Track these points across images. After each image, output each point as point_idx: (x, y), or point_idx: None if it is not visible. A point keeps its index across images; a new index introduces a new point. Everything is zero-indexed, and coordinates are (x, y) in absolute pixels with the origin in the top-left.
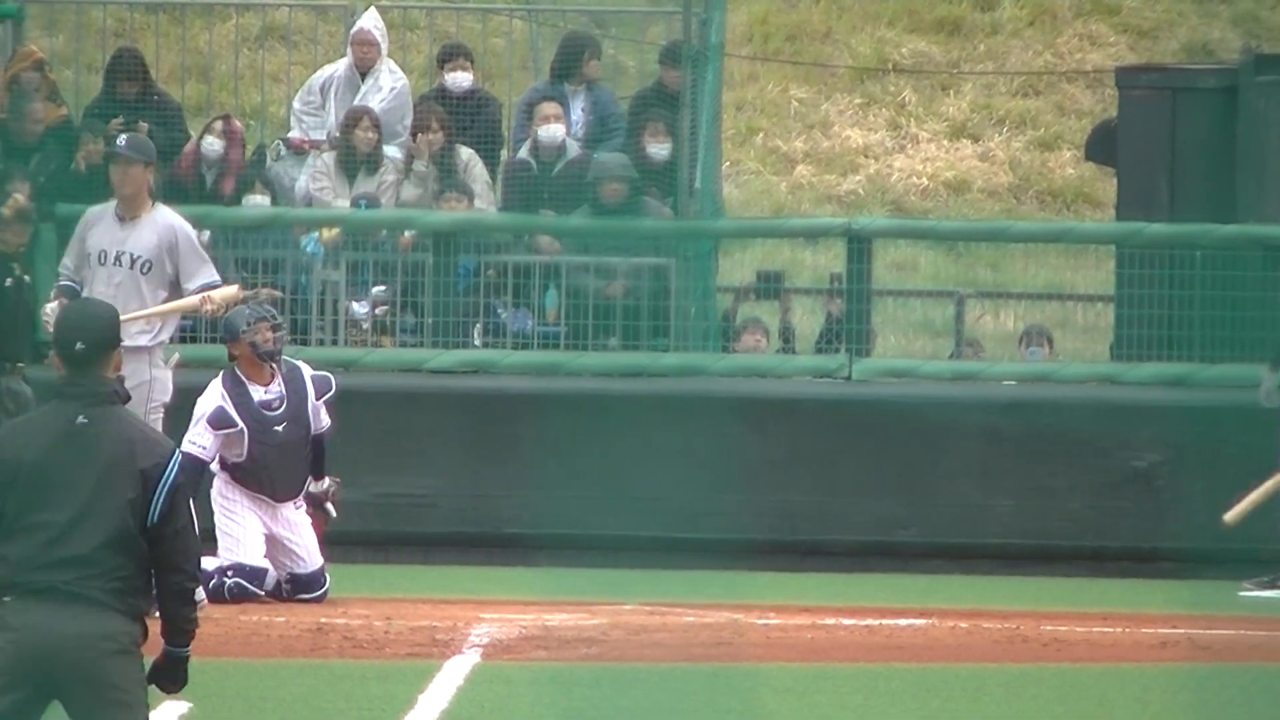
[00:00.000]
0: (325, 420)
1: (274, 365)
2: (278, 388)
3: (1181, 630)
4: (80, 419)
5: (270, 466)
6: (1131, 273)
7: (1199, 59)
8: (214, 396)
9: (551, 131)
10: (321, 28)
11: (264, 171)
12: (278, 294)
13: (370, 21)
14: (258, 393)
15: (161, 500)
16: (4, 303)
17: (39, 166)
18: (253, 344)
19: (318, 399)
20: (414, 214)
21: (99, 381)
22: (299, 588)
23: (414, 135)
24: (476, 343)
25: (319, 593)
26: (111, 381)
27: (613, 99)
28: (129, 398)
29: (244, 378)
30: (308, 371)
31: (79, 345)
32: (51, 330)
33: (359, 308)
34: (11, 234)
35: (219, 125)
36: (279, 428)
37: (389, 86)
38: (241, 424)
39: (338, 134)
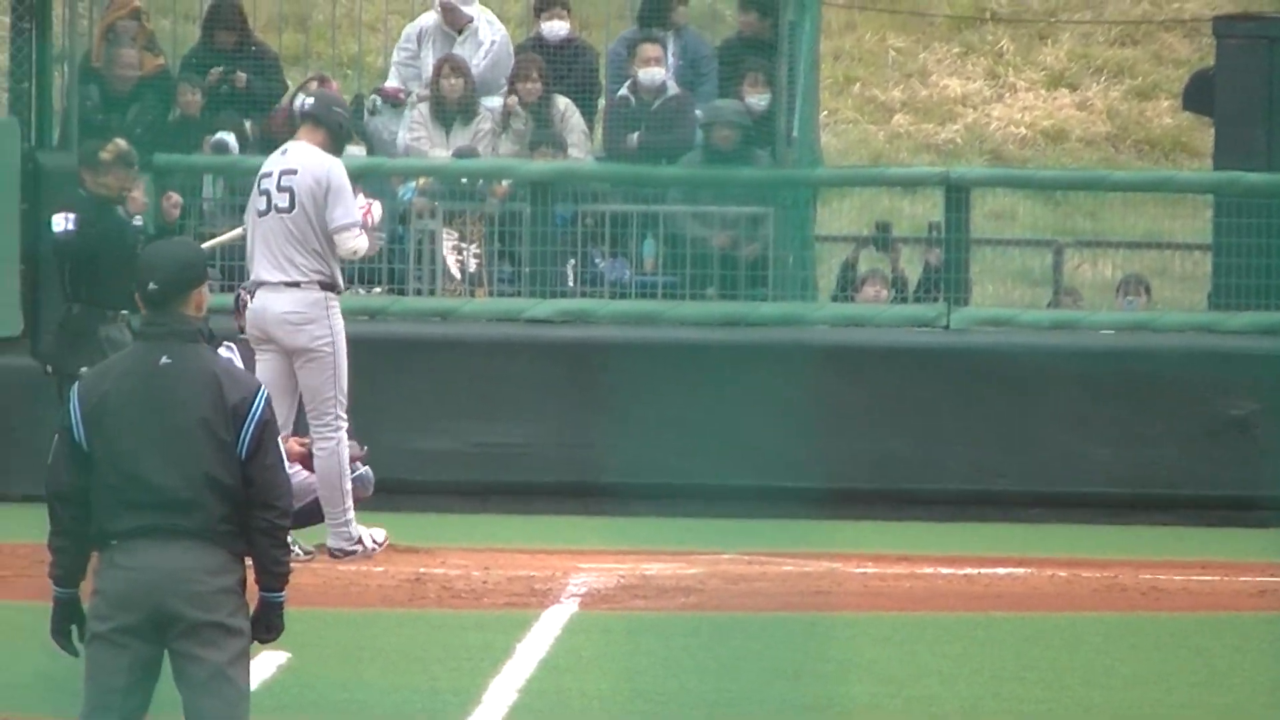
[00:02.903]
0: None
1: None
2: None
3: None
4: (164, 359)
5: None
6: (1229, 221)
7: None
8: (224, 350)
9: (652, 74)
10: None
11: (360, 124)
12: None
13: None
14: None
15: (250, 435)
16: (106, 248)
17: (137, 117)
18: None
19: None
20: (510, 163)
21: (180, 320)
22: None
23: (511, 85)
24: (571, 283)
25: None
26: (193, 320)
27: (704, 43)
28: (213, 336)
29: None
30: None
31: (151, 285)
32: None
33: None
34: (113, 178)
35: (314, 85)
36: None
37: (489, 39)
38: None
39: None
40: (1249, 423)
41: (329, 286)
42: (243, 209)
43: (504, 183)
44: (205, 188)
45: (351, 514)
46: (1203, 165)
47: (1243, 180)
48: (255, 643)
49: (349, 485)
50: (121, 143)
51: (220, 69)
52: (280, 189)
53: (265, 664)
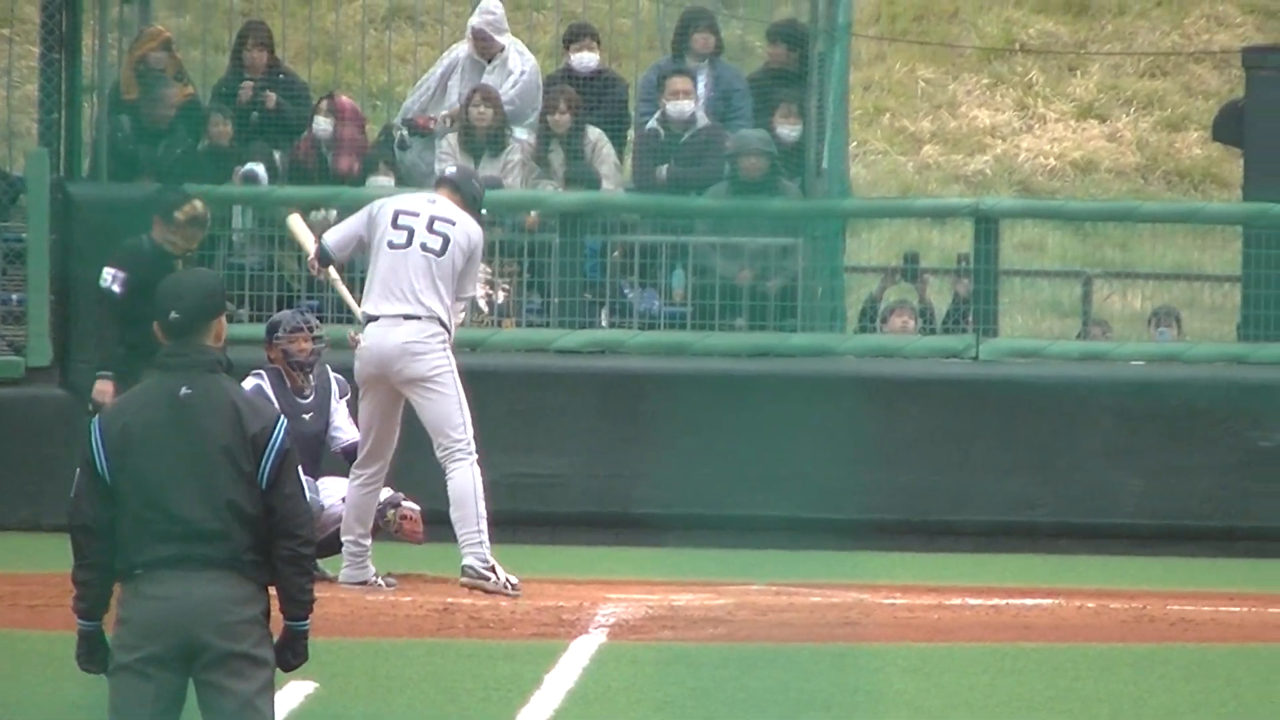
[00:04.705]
0: (352, 430)
1: (308, 374)
2: (310, 390)
3: None
4: (184, 390)
5: None
6: (1258, 252)
7: None
8: (251, 379)
9: (680, 107)
10: (449, 8)
11: (389, 153)
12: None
13: (481, 19)
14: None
15: (270, 465)
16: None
17: (167, 150)
18: (285, 352)
19: (340, 399)
20: (540, 194)
21: (200, 350)
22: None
23: (543, 117)
24: (603, 323)
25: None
26: (213, 350)
27: (737, 75)
28: (231, 366)
29: (283, 377)
30: (332, 374)
31: (173, 314)
32: None
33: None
34: (181, 237)
35: (324, 105)
36: (306, 416)
37: (519, 70)
38: (277, 405)
39: (456, 114)
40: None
41: (444, 326)
42: (272, 239)
43: (533, 214)
44: (235, 219)
45: (487, 538)
46: (1232, 196)
47: (1272, 211)
48: (279, 671)
49: (484, 509)
50: (199, 205)
51: (250, 83)
52: (432, 231)
53: (293, 694)
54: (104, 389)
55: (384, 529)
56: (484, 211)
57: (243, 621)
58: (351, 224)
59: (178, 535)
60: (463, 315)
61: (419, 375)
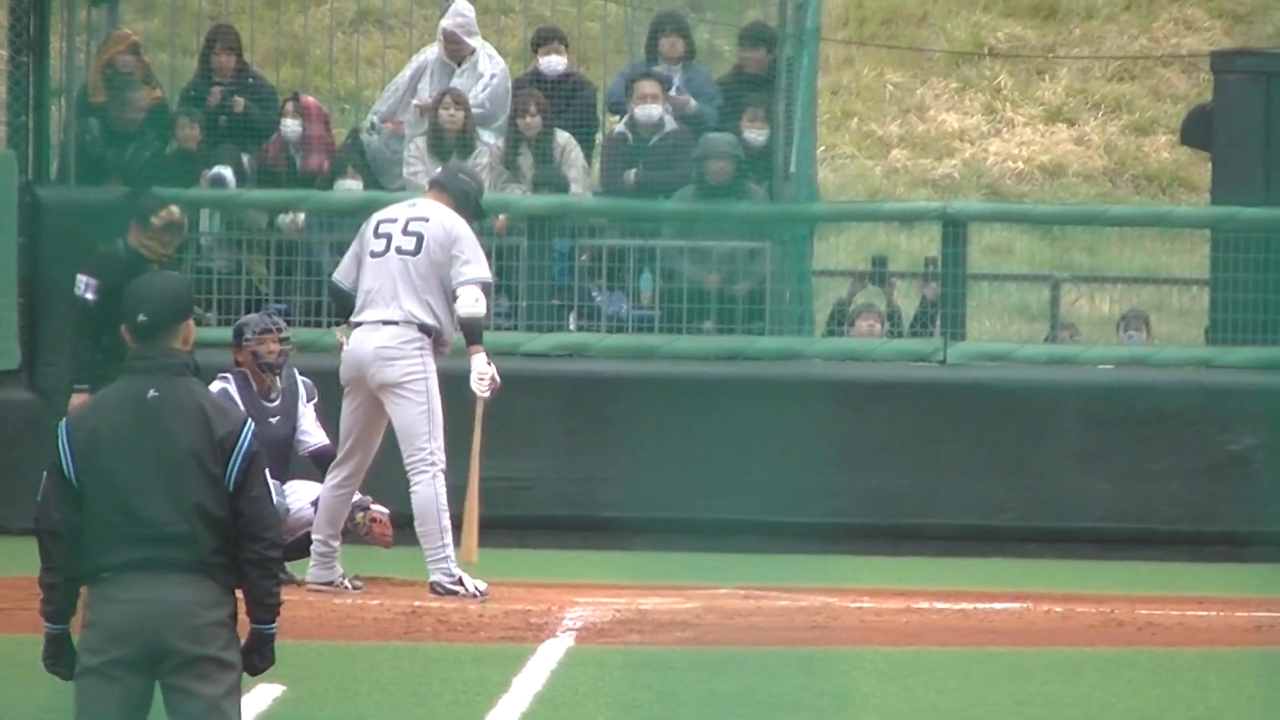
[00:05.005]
0: (319, 434)
1: (276, 376)
2: (276, 394)
3: (1277, 614)
4: (151, 393)
5: None
6: (1227, 256)
7: None
8: (218, 383)
9: (648, 111)
10: (417, 11)
11: (357, 156)
12: None
13: (452, 21)
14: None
15: (237, 468)
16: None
17: (136, 153)
18: (255, 353)
19: (307, 402)
20: (508, 198)
21: (167, 354)
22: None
23: (513, 120)
24: (571, 326)
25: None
26: (181, 354)
27: (708, 79)
28: (199, 370)
29: (250, 380)
30: (299, 378)
31: (141, 317)
32: None
33: None
34: (158, 243)
35: (290, 106)
36: (273, 419)
37: (489, 73)
38: (242, 408)
39: (427, 106)
40: (1248, 458)
41: (426, 331)
42: (239, 244)
43: (501, 217)
44: (203, 222)
45: (451, 551)
46: (1200, 200)
47: (1240, 215)
48: (245, 674)
49: (447, 522)
50: (175, 210)
51: (219, 87)
52: (406, 233)
53: (261, 697)
54: (80, 403)
55: (353, 531)
56: (483, 202)
57: (210, 625)
58: (350, 249)
59: (145, 538)
60: (479, 304)
61: (390, 381)
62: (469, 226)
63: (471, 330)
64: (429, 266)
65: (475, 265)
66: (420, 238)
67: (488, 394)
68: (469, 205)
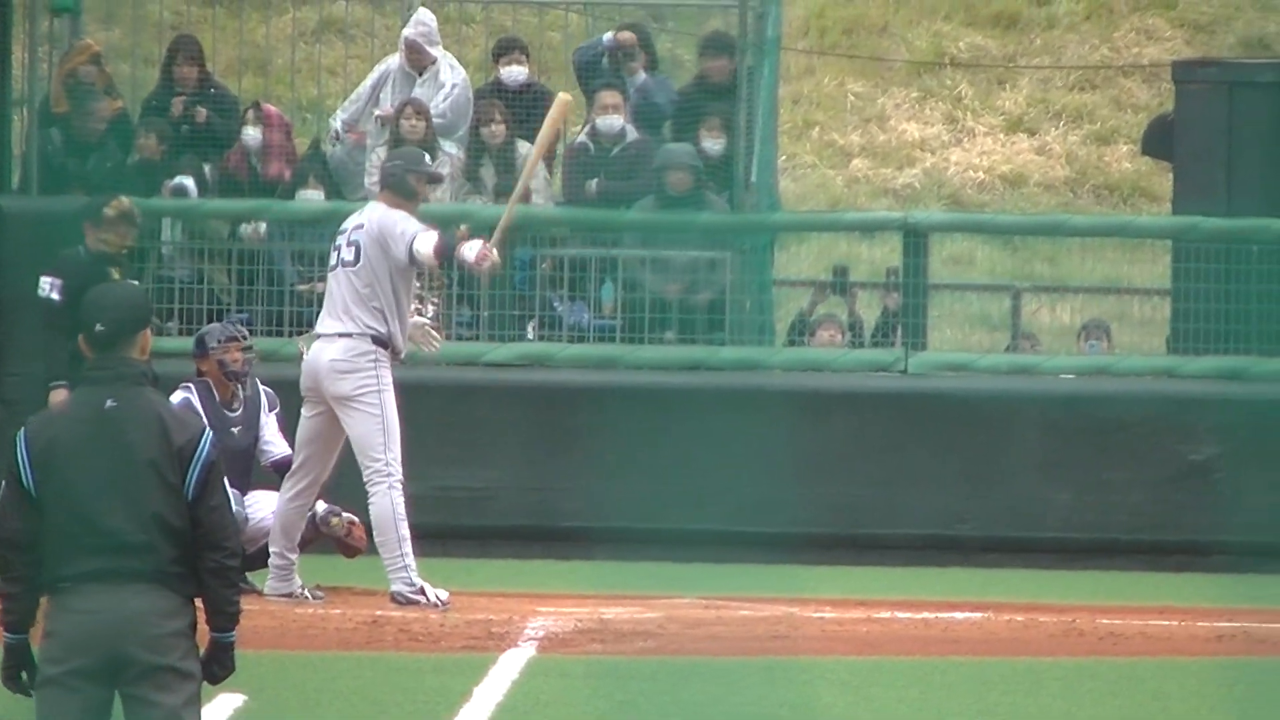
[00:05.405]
0: (282, 444)
1: (239, 385)
2: (239, 403)
3: (1238, 624)
4: (110, 403)
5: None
6: (1188, 266)
7: (1256, 53)
8: (180, 393)
9: (609, 121)
10: (379, 21)
11: (320, 165)
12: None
13: (414, 30)
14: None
15: (196, 477)
16: None
17: (98, 163)
18: (220, 362)
19: (269, 412)
20: (470, 207)
21: (125, 363)
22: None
23: (475, 130)
24: (531, 336)
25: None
26: (139, 363)
27: (669, 88)
28: (157, 379)
29: (212, 390)
30: (262, 387)
31: (99, 327)
32: None
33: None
34: (115, 235)
35: (250, 114)
36: (235, 429)
37: (450, 82)
38: (204, 418)
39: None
40: (1208, 468)
41: (381, 342)
42: (202, 254)
43: (463, 226)
44: (164, 231)
45: (411, 560)
46: (1162, 210)
47: (1202, 225)
48: (206, 684)
49: (405, 531)
50: (125, 201)
51: (182, 98)
52: (349, 244)
53: (222, 707)
54: (59, 399)
55: (330, 533)
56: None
57: (169, 635)
58: None
59: (103, 548)
60: (429, 236)
61: (343, 394)
62: (394, 212)
63: (446, 252)
64: (370, 273)
65: (408, 230)
66: (358, 247)
67: (489, 262)
68: (404, 189)
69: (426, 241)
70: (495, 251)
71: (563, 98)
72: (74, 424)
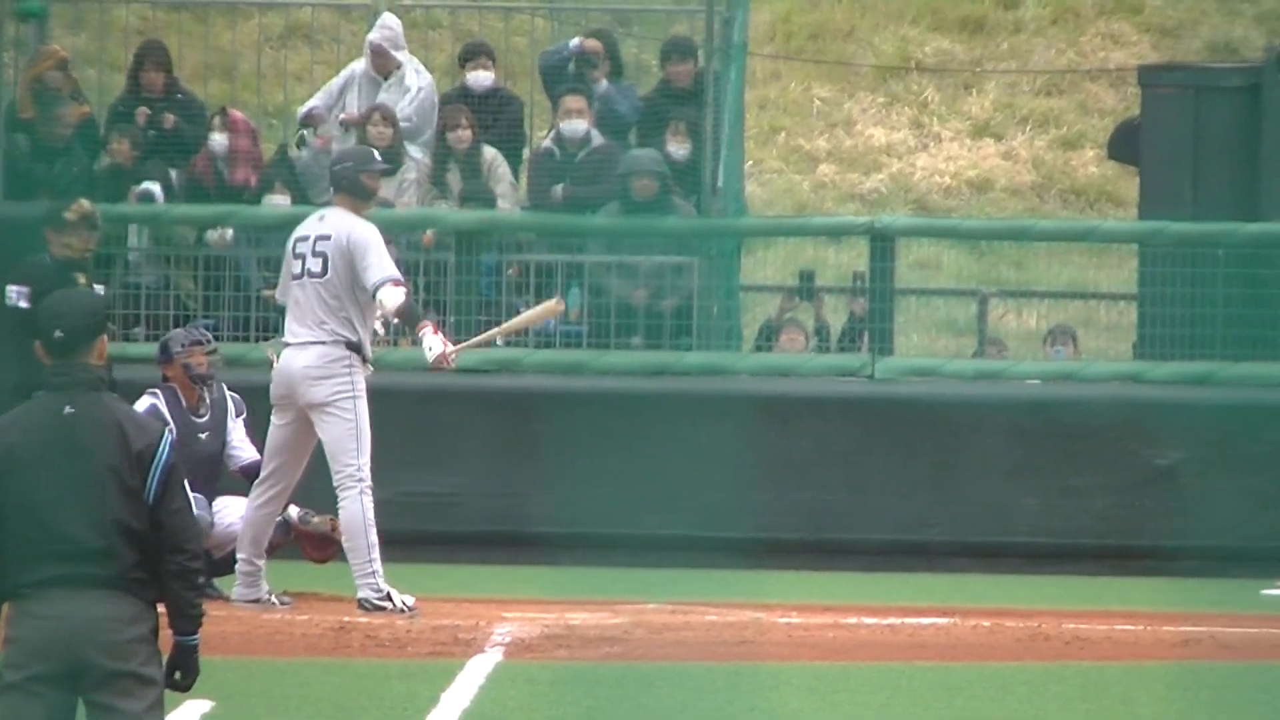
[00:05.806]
0: (250, 449)
1: (206, 390)
2: (205, 409)
3: (1204, 628)
4: (67, 408)
5: (188, 472)
6: (1154, 270)
7: (1222, 57)
8: (147, 399)
9: (574, 126)
10: (345, 27)
11: (286, 171)
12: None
13: (380, 34)
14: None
15: (156, 481)
16: None
17: (64, 169)
18: (185, 366)
19: (236, 417)
20: (436, 213)
21: (83, 369)
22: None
23: (441, 135)
24: (499, 341)
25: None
26: (96, 369)
27: (633, 95)
28: (114, 385)
29: (178, 395)
30: (229, 393)
31: (57, 333)
32: None
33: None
34: (77, 239)
35: (217, 120)
36: (202, 435)
37: (415, 87)
38: (171, 423)
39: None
40: (1174, 473)
41: (353, 348)
42: (168, 259)
43: (429, 232)
44: (131, 238)
45: (379, 566)
46: (1128, 215)
47: (1168, 230)
48: (169, 689)
49: (374, 538)
50: (85, 204)
51: (148, 103)
52: (315, 254)
53: (189, 713)
54: None
55: (314, 530)
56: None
57: (130, 640)
58: (283, 267)
59: (64, 555)
60: (398, 292)
61: (317, 401)
62: (364, 225)
63: (407, 315)
64: (339, 284)
65: (378, 267)
66: (325, 258)
67: (445, 365)
68: (359, 190)
69: (393, 297)
70: (454, 359)
71: (555, 305)
72: (33, 431)
